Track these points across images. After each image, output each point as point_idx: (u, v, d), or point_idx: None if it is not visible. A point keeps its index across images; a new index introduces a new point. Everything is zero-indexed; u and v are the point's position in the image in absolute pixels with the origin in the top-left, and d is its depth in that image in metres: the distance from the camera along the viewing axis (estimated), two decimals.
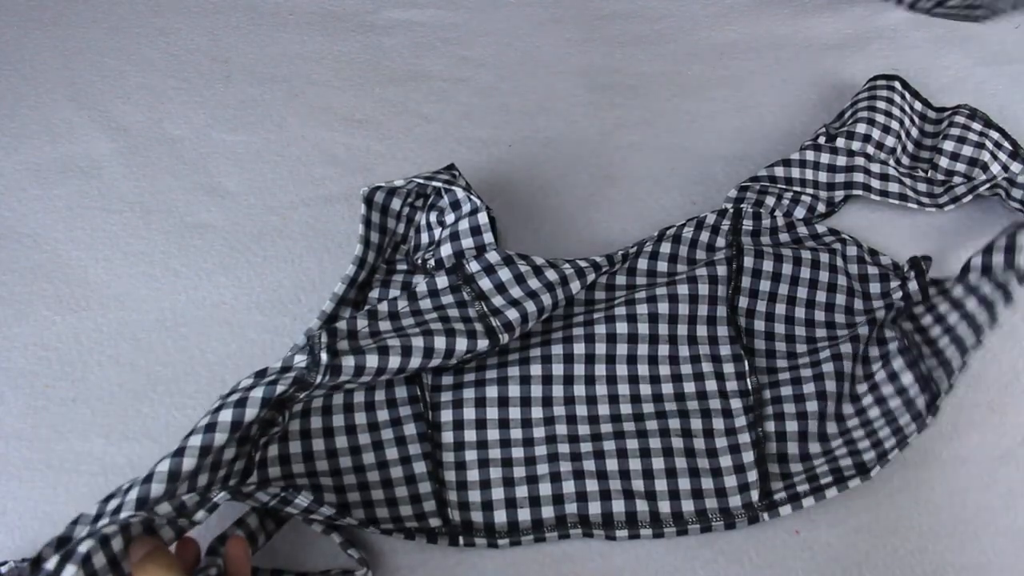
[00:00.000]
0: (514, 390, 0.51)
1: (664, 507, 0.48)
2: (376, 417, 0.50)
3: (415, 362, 0.46)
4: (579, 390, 0.51)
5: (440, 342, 0.47)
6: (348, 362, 0.44)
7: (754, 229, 0.57)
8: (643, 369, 0.52)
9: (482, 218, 0.53)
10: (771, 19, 0.70)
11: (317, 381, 0.44)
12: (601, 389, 0.51)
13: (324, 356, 0.44)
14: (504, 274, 0.51)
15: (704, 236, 0.56)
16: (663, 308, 0.53)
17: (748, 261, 0.54)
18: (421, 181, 0.53)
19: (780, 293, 0.54)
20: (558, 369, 0.51)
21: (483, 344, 0.48)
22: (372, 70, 0.66)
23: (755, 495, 0.48)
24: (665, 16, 0.70)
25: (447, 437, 0.49)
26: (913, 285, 0.53)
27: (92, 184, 0.60)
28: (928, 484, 0.50)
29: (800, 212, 0.58)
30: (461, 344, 0.48)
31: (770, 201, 0.57)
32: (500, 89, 0.65)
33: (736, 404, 0.51)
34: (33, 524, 0.48)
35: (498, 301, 0.50)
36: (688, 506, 0.48)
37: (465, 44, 0.68)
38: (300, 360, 0.45)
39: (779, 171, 0.58)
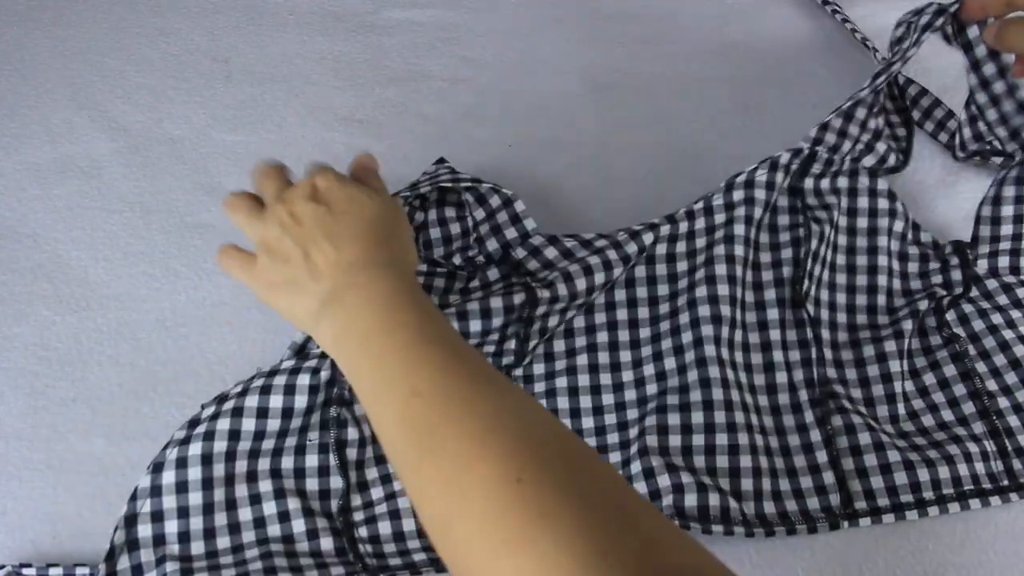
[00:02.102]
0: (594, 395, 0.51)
1: (749, 508, 0.47)
2: None
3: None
4: (663, 384, 0.51)
5: (474, 305, 0.49)
6: None
7: (821, 173, 0.55)
8: (712, 350, 0.50)
9: (519, 206, 0.53)
10: (771, 19, 0.70)
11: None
12: (692, 374, 0.50)
13: None
14: (550, 252, 0.52)
15: (779, 177, 0.54)
16: (723, 290, 0.52)
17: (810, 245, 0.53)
18: (448, 184, 0.52)
19: (822, 279, 0.54)
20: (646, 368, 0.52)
21: (519, 298, 0.49)
22: (372, 70, 0.66)
23: (835, 499, 0.47)
24: (665, 16, 0.70)
25: (355, 500, 0.48)
26: (956, 275, 0.53)
27: (92, 184, 0.60)
28: None
29: (870, 161, 0.56)
30: (496, 303, 0.49)
31: (846, 146, 0.55)
32: (500, 89, 0.65)
33: (803, 396, 0.50)
34: (33, 524, 0.48)
35: (546, 276, 0.51)
36: (770, 508, 0.47)
37: (465, 44, 0.68)
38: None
39: (860, 112, 0.56)
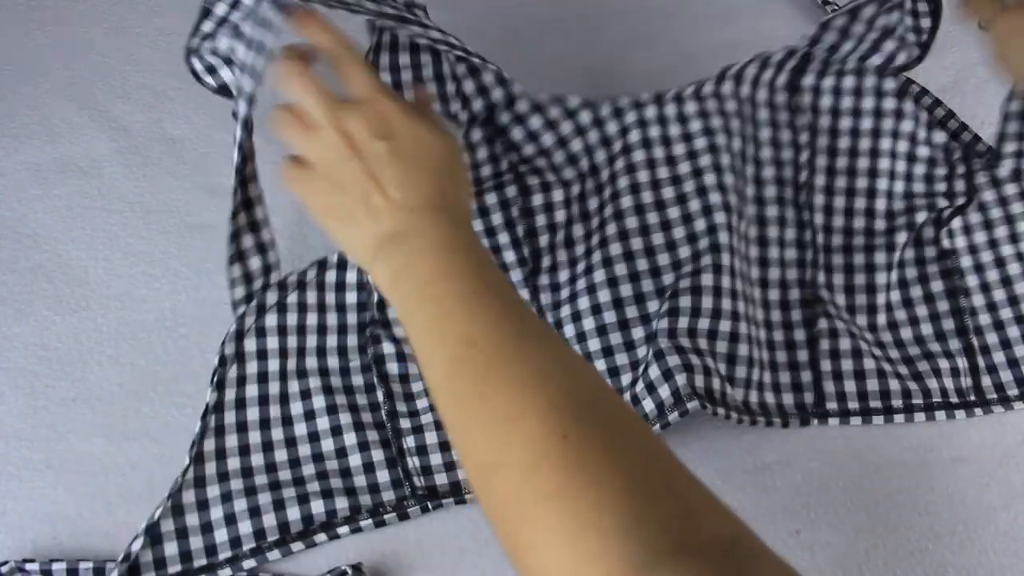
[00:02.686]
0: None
1: (739, 394, 0.47)
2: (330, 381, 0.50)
3: None
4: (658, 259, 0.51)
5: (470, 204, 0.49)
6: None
7: (820, 70, 0.54)
8: (725, 237, 0.50)
9: (504, 74, 0.52)
10: (772, 19, 0.70)
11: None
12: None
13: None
14: (536, 121, 0.52)
15: (767, 75, 0.54)
16: (728, 179, 0.52)
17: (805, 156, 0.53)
18: (421, 40, 0.50)
19: (818, 184, 0.54)
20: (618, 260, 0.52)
21: (511, 191, 0.51)
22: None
23: (809, 398, 0.48)
24: (665, 16, 0.70)
25: (401, 407, 0.49)
26: (960, 185, 0.52)
27: (92, 184, 0.60)
28: (928, 484, 0.50)
29: (877, 60, 0.55)
30: (491, 198, 0.51)
31: (847, 47, 0.54)
32: None
33: (794, 295, 0.50)
34: (33, 524, 0.48)
35: (529, 150, 0.51)
36: (753, 397, 0.48)
37: (465, 44, 0.68)
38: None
39: (868, 11, 0.53)
